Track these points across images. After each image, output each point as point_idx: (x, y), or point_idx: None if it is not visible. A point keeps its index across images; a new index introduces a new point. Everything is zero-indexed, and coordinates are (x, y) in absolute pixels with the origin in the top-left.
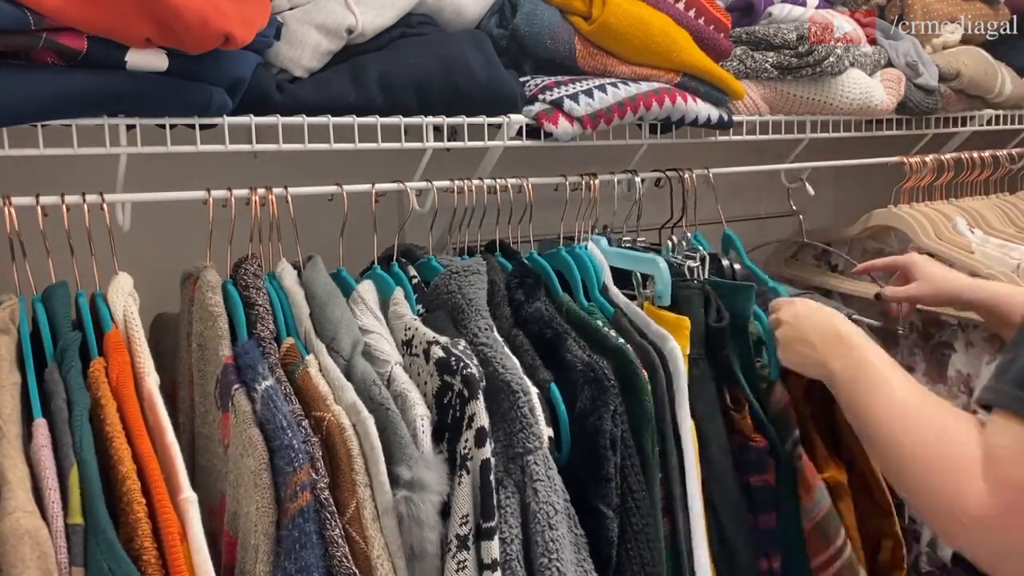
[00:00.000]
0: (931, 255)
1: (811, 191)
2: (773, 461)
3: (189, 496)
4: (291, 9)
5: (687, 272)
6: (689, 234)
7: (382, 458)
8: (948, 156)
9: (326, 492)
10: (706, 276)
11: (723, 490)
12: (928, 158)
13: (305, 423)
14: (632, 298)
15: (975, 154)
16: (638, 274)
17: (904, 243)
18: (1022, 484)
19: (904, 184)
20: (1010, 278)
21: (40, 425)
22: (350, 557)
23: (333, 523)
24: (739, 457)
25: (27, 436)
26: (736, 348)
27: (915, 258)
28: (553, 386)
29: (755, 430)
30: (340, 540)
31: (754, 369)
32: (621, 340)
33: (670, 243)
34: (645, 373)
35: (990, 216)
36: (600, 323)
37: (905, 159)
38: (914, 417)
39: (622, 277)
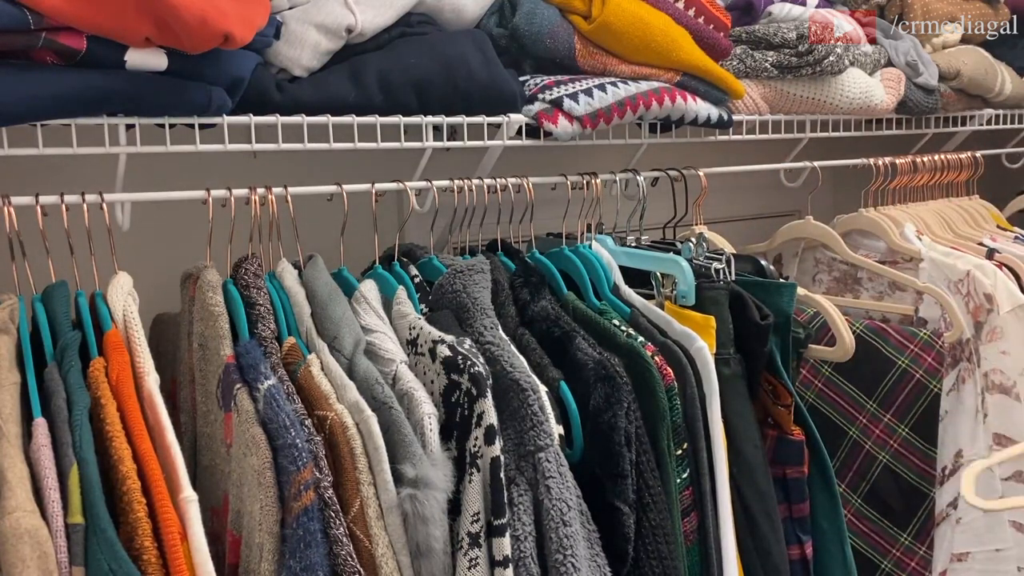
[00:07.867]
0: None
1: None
2: (808, 452)
3: (189, 495)
4: (291, 9)
5: (714, 274)
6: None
7: (385, 456)
8: (915, 158)
9: (330, 491)
10: (732, 277)
11: (755, 485)
12: (900, 159)
13: (308, 422)
14: (649, 298)
15: (938, 156)
16: (658, 274)
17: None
18: None
19: (872, 187)
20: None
21: (40, 424)
22: (354, 555)
23: (337, 521)
24: (776, 451)
25: (27, 436)
26: (777, 344)
27: None
28: (563, 384)
29: (793, 423)
30: (344, 538)
31: (791, 365)
32: (632, 337)
33: (691, 244)
34: (665, 370)
35: (932, 222)
36: (611, 321)
37: (871, 161)
38: None
39: (633, 277)
